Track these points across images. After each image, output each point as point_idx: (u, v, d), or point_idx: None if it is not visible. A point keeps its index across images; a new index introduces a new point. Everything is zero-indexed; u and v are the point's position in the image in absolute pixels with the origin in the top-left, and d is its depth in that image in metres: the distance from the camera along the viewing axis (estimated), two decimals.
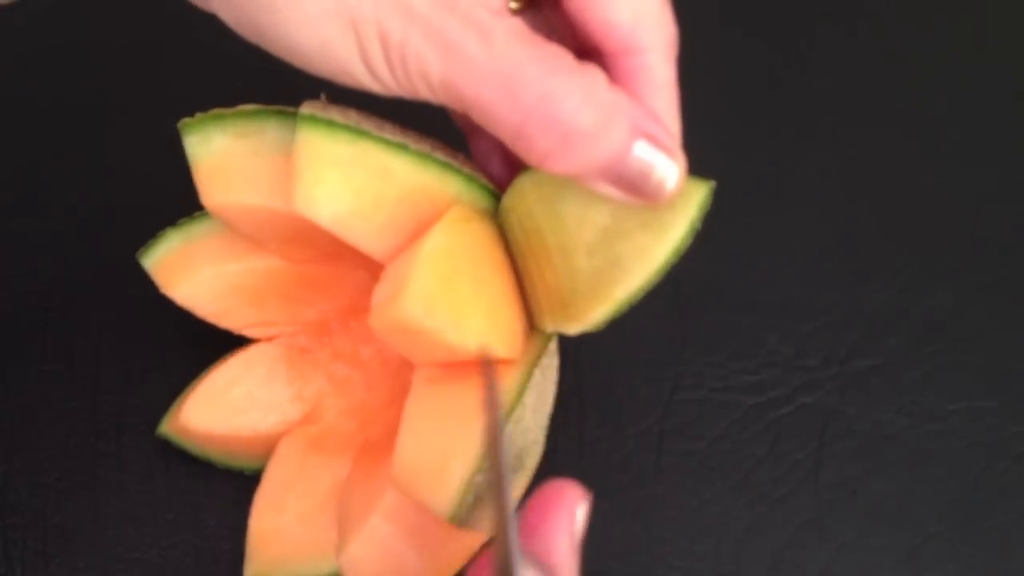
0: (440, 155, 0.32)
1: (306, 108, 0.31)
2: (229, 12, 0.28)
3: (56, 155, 0.45)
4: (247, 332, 0.38)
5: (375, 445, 0.37)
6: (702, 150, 0.46)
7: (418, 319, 0.30)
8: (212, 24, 0.30)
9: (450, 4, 0.27)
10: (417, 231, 0.32)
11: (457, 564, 0.34)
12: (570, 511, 0.30)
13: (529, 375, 0.32)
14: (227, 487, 0.39)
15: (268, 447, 0.38)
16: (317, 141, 0.31)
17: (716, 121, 0.47)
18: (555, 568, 0.29)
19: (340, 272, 0.38)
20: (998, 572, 0.39)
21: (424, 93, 0.28)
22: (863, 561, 0.39)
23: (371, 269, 0.38)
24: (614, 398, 0.41)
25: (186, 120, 0.33)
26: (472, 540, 0.34)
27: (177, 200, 0.40)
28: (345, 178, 0.31)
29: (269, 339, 0.39)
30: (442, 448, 0.31)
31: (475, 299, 0.32)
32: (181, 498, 0.39)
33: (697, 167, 0.46)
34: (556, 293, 0.32)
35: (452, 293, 0.31)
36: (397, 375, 0.39)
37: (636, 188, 0.29)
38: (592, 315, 0.31)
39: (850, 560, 0.39)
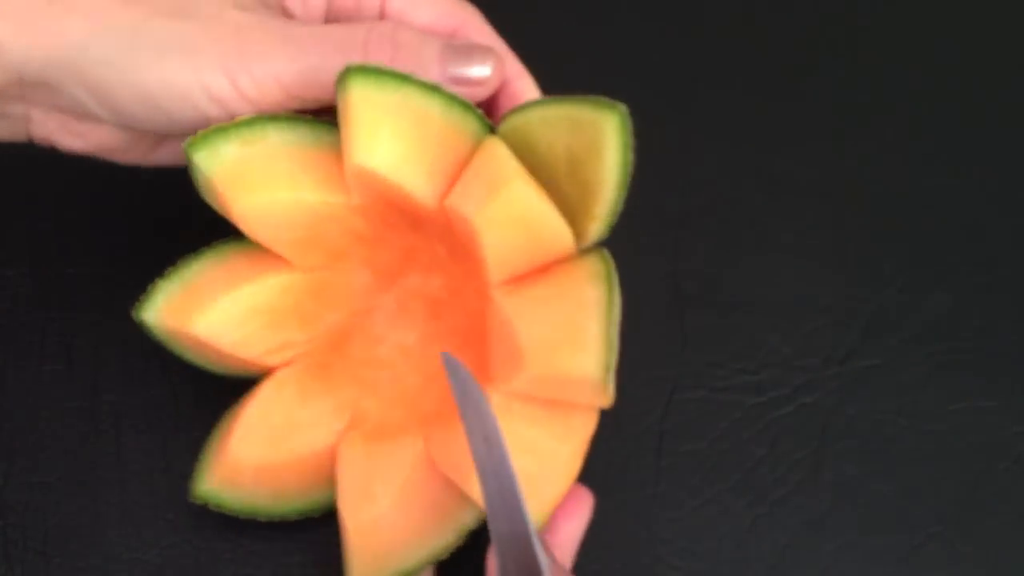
0: (460, 98, 0.35)
1: (351, 62, 0.34)
2: (85, 93, 0.34)
3: (56, 155, 0.45)
4: (267, 360, 0.38)
5: (437, 416, 0.36)
6: (702, 151, 0.46)
7: (531, 200, 0.33)
8: None
9: (263, 23, 0.34)
10: (454, 173, 0.34)
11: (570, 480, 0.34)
12: (586, 517, 0.34)
13: (608, 259, 0.34)
14: None
15: (321, 469, 0.37)
16: (368, 91, 0.33)
17: (716, 122, 0.47)
18: (559, 559, 0.32)
19: (346, 276, 0.38)
20: (998, 572, 0.39)
21: (279, 100, 0.34)
22: (863, 561, 0.39)
23: (374, 267, 0.39)
24: (614, 398, 0.41)
25: (190, 139, 0.34)
26: (583, 428, 0.34)
27: (176, 201, 0.40)
28: (396, 125, 0.34)
29: (287, 363, 0.38)
30: (569, 319, 0.33)
31: (545, 193, 0.34)
32: (181, 498, 0.39)
33: (697, 167, 0.46)
34: (561, 208, 0.34)
35: (528, 174, 0.34)
36: (422, 357, 0.39)
37: (466, 83, 0.35)
38: (589, 230, 0.34)
39: (850, 560, 0.39)
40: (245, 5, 0.35)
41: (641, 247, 0.44)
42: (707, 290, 0.43)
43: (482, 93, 0.35)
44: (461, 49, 0.35)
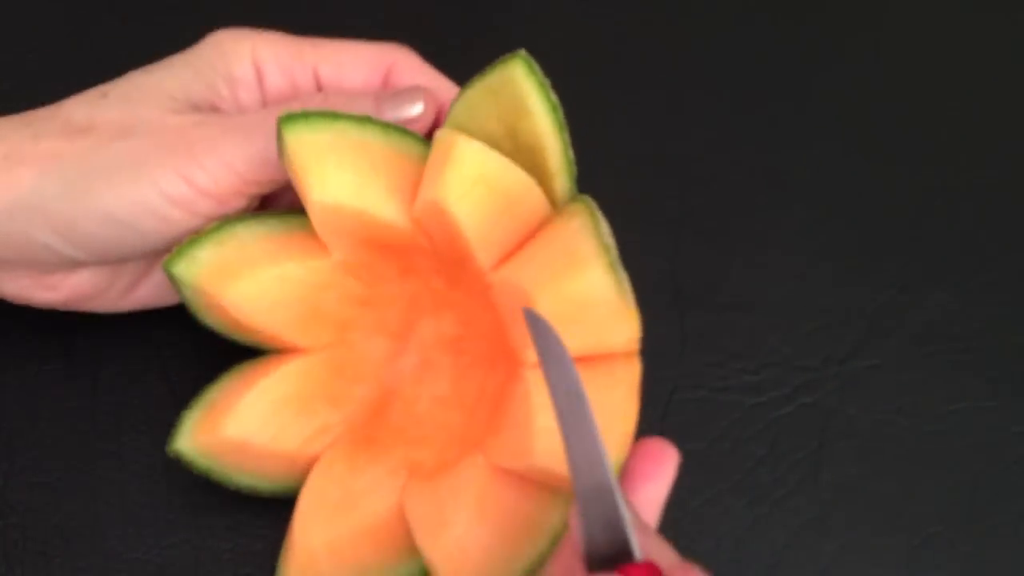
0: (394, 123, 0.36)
1: (281, 112, 0.34)
2: (51, 235, 0.35)
3: None
4: (309, 449, 0.37)
5: (488, 431, 0.36)
6: (702, 151, 0.46)
7: (481, 152, 0.33)
8: None
9: (203, 121, 0.35)
10: (411, 190, 0.35)
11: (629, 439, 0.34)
12: (673, 465, 0.33)
13: (586, 199, 0.34)
14: (228, 487, 0.39)
15: (395, 532, 0.36)
16: (302, 135, 0.34)
17: (716, 121, 0.47)
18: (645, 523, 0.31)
19: (361, 347, 0.39)
20: (998, 572, 0.39)
21: (238, 188, 0.35)
22: (863, 561, 0.39)
23: (386, 330, 0.39)
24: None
25: (167, 258, 0.36)
26: (628, 374, 0.34)
27: None
28: (339, 157, 0.34)
29: (330, 447, 0.38)
30: (563, 250, 0.33)
31: (501, 157, 0.34)
32: (181, 498, 0.39)
33: (697, 167, 0.46)
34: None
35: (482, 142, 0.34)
36: (459, 396, 0.38)
37: (404, 124, 0.36)
38: (556, 190, 0.34)
39: (850, 560, 0.39)
40: (181, 111, 0.36)
41: (641, 247, 0.43)
42: (707, 290, 0.43)
43: (421, 127, 0.37)
44: (391, 97, 0.37)
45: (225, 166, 0.35)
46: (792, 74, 0.48)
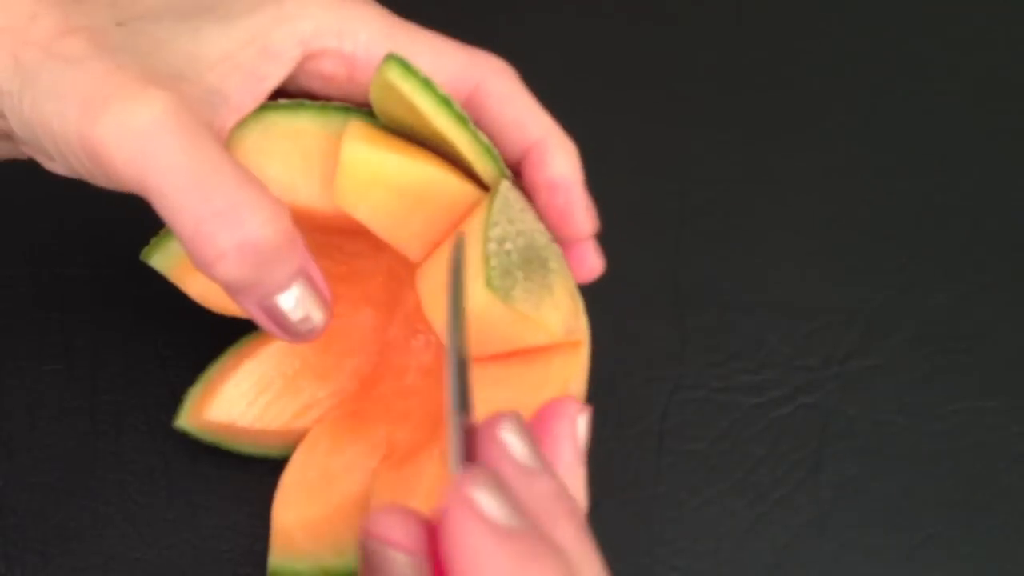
0: (336, 103, 0.33)
1: None
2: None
3: None
4: (297, 424, 0.38)
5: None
6: (702, 151, 0.46)
7: (368, 155, 0.31)
8: None
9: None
10: None
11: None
12: (571, 422, 0.29)
13: (497, 183, 0.32)
14: (227, 487, 0.39)
15: (365, 509, 0.36)
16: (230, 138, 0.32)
17: (716, 122, 0.47)
18: (560, 479, 0.29)
19: (348, 320, 0.38)
20: (998, 572, 0.39)
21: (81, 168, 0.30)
22: (863, 561, 0.39)
23: (371, 302, 0.39)
24: (614, 398, 0.41)
25: (145, 249, 0.35)
26: (563, 369, 0.33)
27: None
28: (264, 154, 0.32)
29: (318, 421, 0.38)
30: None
31: (414, 149, 0.32)
32: (181, 498, 0.39)
33: (697, 167, 0.46)
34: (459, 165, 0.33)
35: (389, 139, 0.32)
36: (441, 370, 0.38)
37: (281, 324, 0.30)
38: (482, 173, 0.32)
39: (850, 560, 0.39)
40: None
41: (641, 247, 0.44)
42: (707, 290, 0.43)
43: (284, 339, 0.32)
44: (316, 284, 0.31)
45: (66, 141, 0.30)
46: (792, 75, 0.48)
